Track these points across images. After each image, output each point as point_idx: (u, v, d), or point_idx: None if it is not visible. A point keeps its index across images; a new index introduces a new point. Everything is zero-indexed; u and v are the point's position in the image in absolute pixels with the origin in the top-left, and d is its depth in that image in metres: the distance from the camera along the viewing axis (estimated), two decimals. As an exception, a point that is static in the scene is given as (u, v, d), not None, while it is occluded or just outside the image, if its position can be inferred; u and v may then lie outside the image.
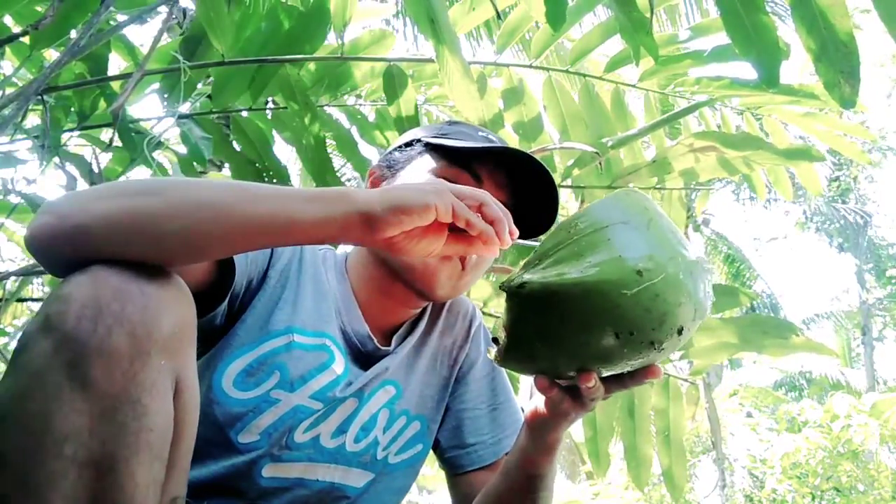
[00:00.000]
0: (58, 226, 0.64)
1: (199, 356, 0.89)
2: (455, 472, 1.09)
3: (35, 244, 0.65)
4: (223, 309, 0.87)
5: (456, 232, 0.75)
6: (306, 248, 1.00)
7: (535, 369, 0.75)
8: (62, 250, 0.65)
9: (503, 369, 1.16)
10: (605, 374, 0.72)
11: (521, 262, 0.73)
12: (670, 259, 0.67)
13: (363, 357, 1.00)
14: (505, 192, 1.00)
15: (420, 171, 1.00)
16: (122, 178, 1.93)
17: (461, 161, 0.98)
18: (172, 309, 0.63)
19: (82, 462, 0.56)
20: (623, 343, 0.66)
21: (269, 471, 0.92)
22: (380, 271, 1.00)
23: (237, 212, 0.66)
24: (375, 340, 1.01)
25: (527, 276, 0.68)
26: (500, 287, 0.70)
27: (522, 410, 1.06)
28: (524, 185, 1.00)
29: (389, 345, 1.03)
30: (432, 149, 1.01)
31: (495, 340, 0.76)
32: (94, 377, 0.57)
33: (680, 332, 0.68)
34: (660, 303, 0.65)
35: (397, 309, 1.03)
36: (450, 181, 0.96)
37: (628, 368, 0.71)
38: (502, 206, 0.75)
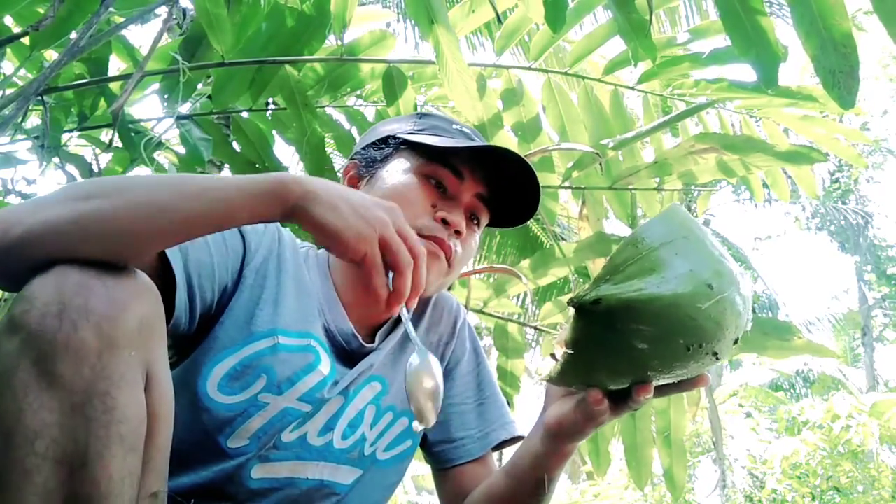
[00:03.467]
0: (3, 237, 0.63)
1: (176, 363, 0.88)
2: (443, 466, 1.09)
3: None
4: (185, 314, 0.84)
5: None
6: (286, 247, 0.99)
7: (589, 383, 0.75)
8: (9, 262, 0.64)
9: (488, 364, 1.17)
10: (659, 383, 0.73)
11: (588, 280, 0.73)
12: (729, 272, 0.70)
13: (348, 355, 1.00)
14: (485, 185, 1.01)
15: (400, 170, 1.00)
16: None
17: (441, 157, 0.98)
18: (137, 302, 0.64)
19: (55, 458, 0.56)
20: (692, 354, 0.68)
21: (257, 472, 0.91)
22: (361, 269, 0.99)
23: (175, 209, 0.68)
24: (360, 338, 1.00)
25: (602, 292, 0.68)
26: (568, 303, 0.71)
27: (509, 404, 1.06)
28: (504, 174, 1.00)
29: (374, 342, 1.03)
30: (410, 146, 1.01)
31: (552, 356, 0.76)
32: (62, 373, 0.57)
33: (736, 342, 0.71)
34: (727, 315, 0.68)
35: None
36: (430, 178, 0.98)
37: (683, 377, 0.73)
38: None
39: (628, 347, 0.69)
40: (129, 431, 0.61)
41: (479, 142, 1.04)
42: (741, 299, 0.70)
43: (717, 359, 0.70)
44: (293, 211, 0.72)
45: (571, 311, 0.71)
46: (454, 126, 1.06)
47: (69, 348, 0.58)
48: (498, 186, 1.02)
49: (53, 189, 0.71)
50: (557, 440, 0.85)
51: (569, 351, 0.73)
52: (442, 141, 0.99)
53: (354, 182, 1.06)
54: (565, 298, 0.73)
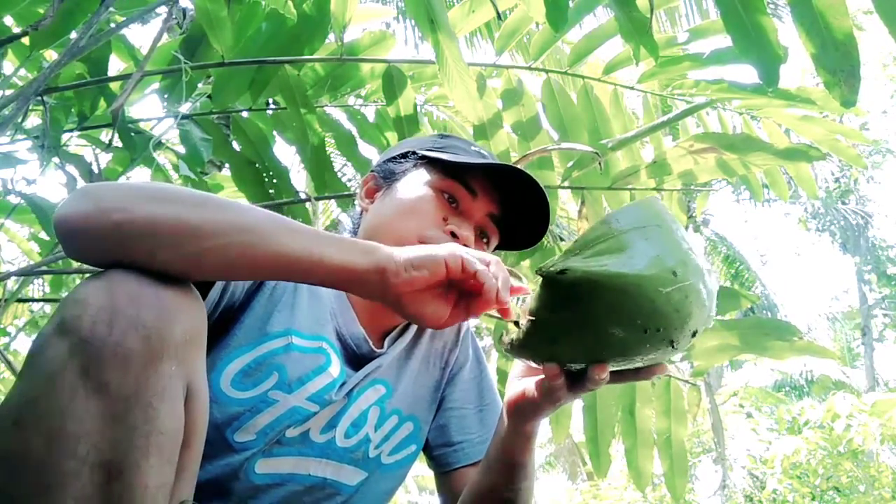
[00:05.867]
0: (97, 217, 0.64)
1: None
2: (443, 469, 1.11)
3: (67, 227, 0.65)
4: (209, 309, 0.86)
5: (459, 297, 0.78)
6: None
7: (548, 357, 0.77)
8: (95, 242, 0.66)
9: (489, 372, 1.19)
10: (617, 367, 0.75)
11: (557, 252, 0.75)
12: (695, 265, 0.71)
13: (358, 359, 1.02)
14: (498, 204, 1.04)
15: (416, 183, 1.03)
16: (122, 178, 1.93)
17: (456, 174, 1.01)
18: (185, 315, 0.64)
19: (94, 463, 0.57)
20: (649, 338, 0.70)
21: (261, 467, 0.93)
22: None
23: (274, 242, 0.68)
24: (370, 342, 1.02)
25: (569, 264, 0.70)
26: (536, 271, 0.72)
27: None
28: (517, 198, 1.03)
29: (383, 346, 1.05)
30: (428, 161, 1.04)
31: (516, 324, 0.77)
32: (108, 380, 0.58)
33: (694, 334, 0.72)
34: (687, 304, 0.69)
35: (390, 313, 1.04)
36: (444, 192, 1.01)
37: (640, 364, 0.74)
38: (507, 272, 0.78)
39: (588, 321, 0.70)
40: (168, 442, 0.61)
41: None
42: (705, 293, 0.72)
43: (674, 348, 0.71)
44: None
45: (538, 280, 0.73)
46: (472, 147, 1.09)
47: (117, 357, 0.58)
48: (510, 209, 1.04)
49: (149, 185, 0.71)
50: (517, 419, 0.87)
51: (531, 318, 0.74)
52: (459, 159, 1.02)
53: (371, 193, 1.10)
54: (534, 267, 0.75)
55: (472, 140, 1.15)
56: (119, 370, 0.58)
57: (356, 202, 1.13)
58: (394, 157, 1.09)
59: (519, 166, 1.04)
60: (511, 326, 0.78)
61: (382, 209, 1.05)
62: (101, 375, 0.57)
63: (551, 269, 0.71)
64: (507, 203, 1.04)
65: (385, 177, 1.08)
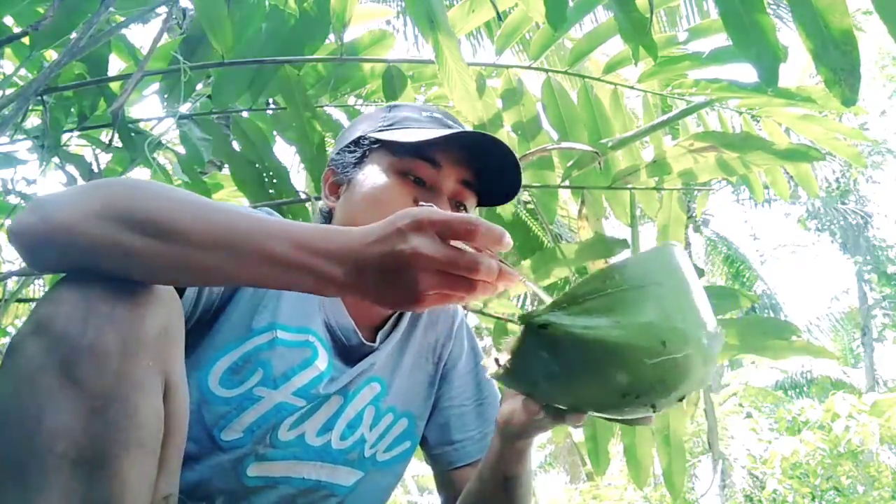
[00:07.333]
0: (45, 232, 0.63)
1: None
2: (443, 468, 1.10)
3: (19, 241, 0.65)
4: (189, 307, 0.85)
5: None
6: None
7: (529, 394, 0.75)
8: (46, 254, 0.65)
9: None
10: (596, 416, 0.73)
11: (547, 301, 0.69)
12: (694, 332, 0.66)
13: (347, 352, 1.00)
14: (465, 169, 0.99)
15: (375, 171, 0.98)
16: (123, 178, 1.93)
17: (414, 151, 0.96)
18: (160, 310, 0.64)
19: (74, 459, 0.57)
20: (627, 402, 0.67)
21: (254, 470, 0.92)
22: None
23: (227, 275, 0.65)
24: (360, 335, 1.00)
25: (552, 318, 0.65)
26: (519, 318, 0.68)
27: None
28: (483, 156, 0.98)
29: (374, 340, 1.03)
30: (381, 144, 0.99)
31: (496, 361, 0.74)
32: (85, 376, 0.58)
33: (680, 399, 0.69)
34: (674, 375, 0.65)
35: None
36: (406, 174, 0.96)
37: (620, 417, 0.73)
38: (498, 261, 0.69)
39: (566, 377, 0.67)
40: (148, 436, 0.61)
41: (455, 127, 1.02)
42: (702, 360, 0.67)
43: (654, 410, 0.68)
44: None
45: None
46: (424, 114, 1.04)
47: (92, 353, 0.58)
48: (478, 167, 1.00)
49: (106, 197, 0.65)
50: (508, 437, 0.86)
51: (507, 365, 0.70)
52: (412, 133, 0.97)
53: (335, 190, 1.05)
54: (517, 314, 0.70)
55: (425, 105, 1.09)
56: (95, 366, 0.58)
57: (323, 201, 1.08)
58: (347, 146, 1.04)
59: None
60: (492, 362, 0.74)
61: (348, 207, 1.00)
62: (78, 372, 0.57)
63: (534, 318, 0.65)
64: (474, 162, 0.99)
65: (342, 170, 1.03)
